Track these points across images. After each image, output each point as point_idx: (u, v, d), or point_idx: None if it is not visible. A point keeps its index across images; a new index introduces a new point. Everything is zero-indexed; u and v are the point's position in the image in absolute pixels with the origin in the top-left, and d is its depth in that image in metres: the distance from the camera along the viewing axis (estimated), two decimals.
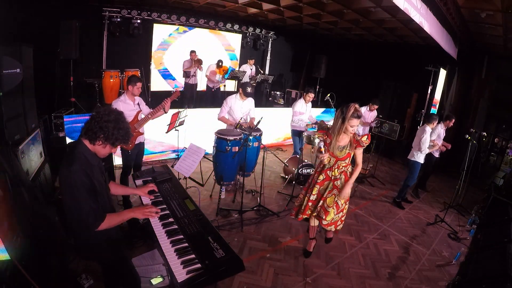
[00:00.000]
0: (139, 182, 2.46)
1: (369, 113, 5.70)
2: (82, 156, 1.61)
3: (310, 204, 2.89)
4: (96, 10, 6.28)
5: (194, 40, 7.92)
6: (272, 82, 8.77)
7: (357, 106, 2.55)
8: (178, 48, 7.75)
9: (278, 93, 9.14)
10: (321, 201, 2.83)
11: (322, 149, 2.67)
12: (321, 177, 2.82)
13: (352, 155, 2.76)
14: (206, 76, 7.42)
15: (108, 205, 1.80)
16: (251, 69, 8.25)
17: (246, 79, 7.91)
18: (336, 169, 2.76)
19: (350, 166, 2.82)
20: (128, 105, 3.33)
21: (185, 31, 7.82)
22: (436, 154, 4.91)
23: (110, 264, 1.92)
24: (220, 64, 7.34)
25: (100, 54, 6.56)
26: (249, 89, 4.22)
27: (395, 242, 3.69)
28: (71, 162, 1.58)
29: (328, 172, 2.80)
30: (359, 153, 2.74)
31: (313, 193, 2.84)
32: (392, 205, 4.76)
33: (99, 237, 1.69)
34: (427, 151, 4.40)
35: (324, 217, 2.80)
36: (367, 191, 5.20)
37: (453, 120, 4.77)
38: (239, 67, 8.74)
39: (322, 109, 7.63)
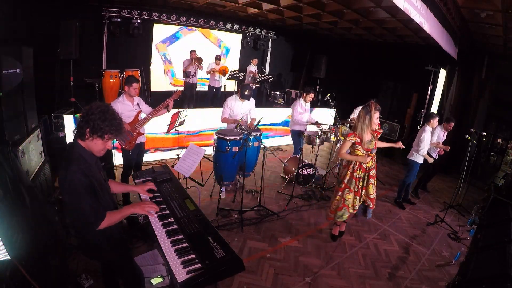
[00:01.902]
0: (139, 182, 2.46)
1: None
2: (79, 156, 1.61)
3: (357, 197, 3.21)
4: (96, 10, 6.29)
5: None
6: (272, 82, 8.78)
7: (374, 101, 3.01)
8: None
9: (278, 93, 9.14)
10: (363, 191, 3.23)
11: (371, 154, 3.09)
12: (360, 173, 3.15)
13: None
14: (208, 72, 7.44)
15: (111, 203, 1.81)
16: (255, 70, 8.28)
17: (251, 79, 7.96)
18: (370, 160, 3.13)
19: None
20: (126, 106, 3.32)
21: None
22: (435, 155, 4.83)
23: (113, 263, 1.92)
24: (219, 57, 7.41)
25: (100, 54, 6.56)
26: (246, 92, 4.22)
27: (395, 242, 3.69)
28: (68, 163, 1.58)
29: (363, 165, 3.14)
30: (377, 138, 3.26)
31: (358, 185, 3.18)
32: (393, 205, 4.76)
33: (102, 236, 1.69)
34: (425, 152, 4.36)
35: (372, 204, 3.26)
36: None
37: (453, 124, 4.67)
38: (239, 67, 8.77)
39: (323, 109, 7.63)
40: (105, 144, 1.67)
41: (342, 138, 3.18)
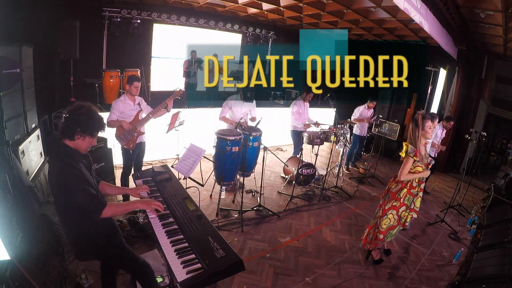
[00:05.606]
0: (139, 182, 2.45)
1: (368, 111, 5.72)
2: (66, 154, 1.64)
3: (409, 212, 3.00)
4: (96, 10, 6.28)
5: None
6: None
7: (421, 112, 2.84)
8: None
9: (278, 93, 9.13)
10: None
11: (430, 166, 2.91)
12: (417, 189, 2.95)
13: None
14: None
15: None
16: None
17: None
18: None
19: None
20: (128, 105, 3.34)
21: None
22: (433, 154, 4.87)
23: (113, 258, 1.89)
24: (216, 56, 7.40)
25: (100, 54, 6.56)
26: (248, 94, 4.23)
27: (395, 242, 3.69)
28: (58, 161, 1.62)
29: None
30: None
31: (414, 202, 2.99)
32: None
33: (96, 232, 1.70)
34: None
35: (415, 216, 3.05)
36: (367, 191, 5.20)
37: (452, 123, 4.80)
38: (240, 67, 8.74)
39: (323, 109, 7.61)
40: (93, 141, 1.73)
41: (403, 155, 2.97)
